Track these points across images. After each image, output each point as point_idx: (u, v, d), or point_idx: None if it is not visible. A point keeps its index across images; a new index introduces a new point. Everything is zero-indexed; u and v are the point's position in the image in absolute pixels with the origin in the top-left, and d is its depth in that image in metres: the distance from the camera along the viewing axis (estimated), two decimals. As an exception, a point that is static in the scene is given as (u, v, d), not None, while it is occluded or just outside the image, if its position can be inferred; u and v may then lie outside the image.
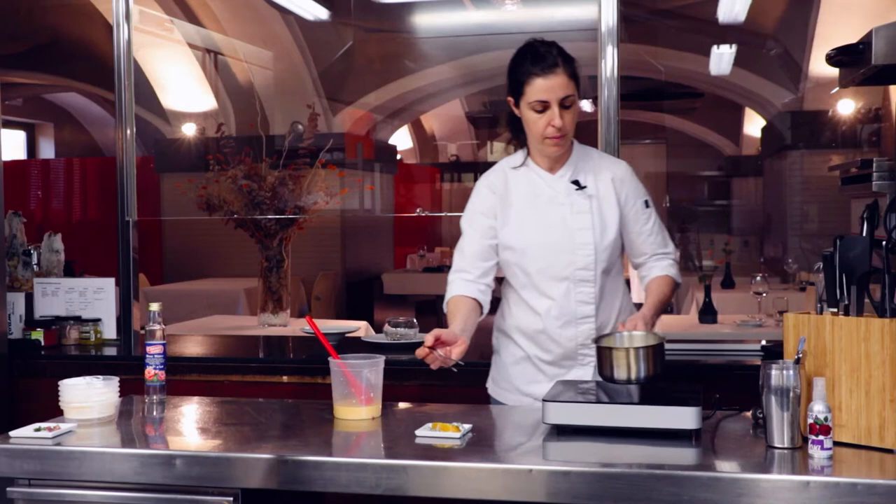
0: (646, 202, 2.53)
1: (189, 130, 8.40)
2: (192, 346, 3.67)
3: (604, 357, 2.16)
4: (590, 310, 2.46)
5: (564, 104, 2.37)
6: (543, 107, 2.37)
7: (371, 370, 2.24)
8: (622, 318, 2.50)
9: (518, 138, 2.52)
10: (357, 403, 2.24)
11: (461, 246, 2.54)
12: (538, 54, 2.37)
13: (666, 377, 2.19)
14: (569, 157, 2.49)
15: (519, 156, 2.53)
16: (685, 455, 1.94)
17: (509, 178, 2.52)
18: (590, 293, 2.45)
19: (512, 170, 2.52)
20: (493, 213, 2.50)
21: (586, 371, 2.47)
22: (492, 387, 2.63)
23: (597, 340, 2.24)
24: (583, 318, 2.45)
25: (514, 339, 2.54)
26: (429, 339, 2.23)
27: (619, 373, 2.13)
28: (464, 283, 2.49)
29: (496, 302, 2.60)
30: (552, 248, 2.43)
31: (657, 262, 2.56)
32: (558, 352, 2.47)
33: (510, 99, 2.46)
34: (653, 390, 2.16)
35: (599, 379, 2.29)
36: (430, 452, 1.97)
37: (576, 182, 2.47)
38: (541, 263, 2.45)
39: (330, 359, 2.26)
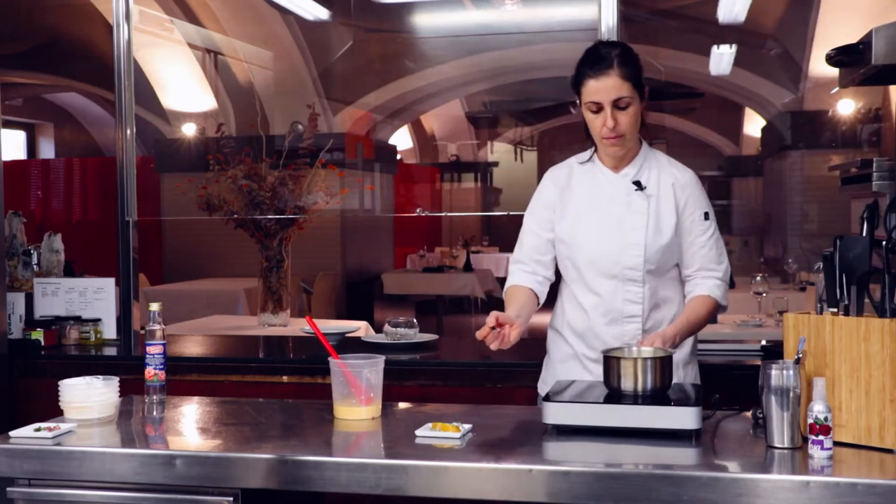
0: (706, 214, 2.50)
1: (189, 130, 8.41)
2: (192, 346, 3.67)
3: (610, 367, 2.15)
4: (636, 309, 2.45)
5: (619, 105, 2.37)
6: (598, 108, 2.39)
7: (371, 370, 2.24)
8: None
9: (589, 137, 2.53)
10: (357, 403, 2.24)
11: (521, 237, 2.58)
12: (595, 55, 2.39)
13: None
14: (634, 157, 2.50)
15: (587, 152, 2.55)
16: (685, 455, 1.94)
17: (574, 173, 2.54)
18: (637, 292, 2.45)
19: (579, 165, 2.55)
20: (552, 206, 2.52)
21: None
22: (541, 386, 2.64)
23: (606, 352, 2.23)
24: (629, 316, 2.45)
25: (564, 336, 2.55)
26: (490, 319, 2.23)
27: (626, 383, 2.12)
28: (521, 274, 2.53)
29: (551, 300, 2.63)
30: (602, 244, 2.44)
31: (703, 280, 2.50)
32: (604, 348, 2.46)
33: (578, 100, 2.48)
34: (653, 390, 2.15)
35: None
36: (430, 452, 1.97)
37: (637, 182, 2.47)
38: (590, 259, 2.46)
39: (330, 359, 2.26)
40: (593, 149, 2.53)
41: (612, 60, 2.36)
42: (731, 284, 2.65)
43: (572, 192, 2.51)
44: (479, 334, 2.24)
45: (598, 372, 2.42)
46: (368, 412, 2.24)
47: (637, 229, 2.44)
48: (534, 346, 3.06)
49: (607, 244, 2.44)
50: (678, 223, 2.47)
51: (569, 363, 2.53)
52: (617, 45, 2.43)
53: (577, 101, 2.47)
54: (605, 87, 2.36)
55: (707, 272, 2.50)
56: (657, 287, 2.47)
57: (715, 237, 2.51)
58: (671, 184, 2.48)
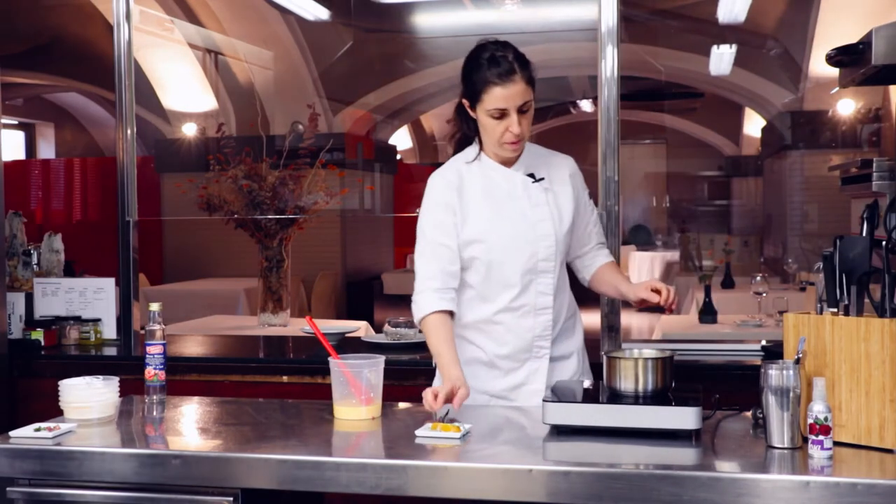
0: (588, 193, 2.61)
1: (189, 130, 8.41)
2: (192, 346, 3.67)
3: (612, 367, 2.15)
4: (548, 301, 2.46)
5: (522, 109, 2.37)
6: (502, 114, 2.36)
7: (371, 370, 2.24)
8: (570, 312, 2.54)
9: (469, 131, 2.50)
10: (357, 403, 2.24)
11: (423, 250, 2.45)
12: (495, 60, 2.35)
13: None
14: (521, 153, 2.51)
15: (471, 151, 2.51)
16: (685, 455, 1.94)
17: (464, 174, 2.49)
18: (549, 284, 2.46)
19: (465, 165, 2.50)
20: (452, 210, 2.44)
21: (542, 363, 2.46)
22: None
23: (607, 352, 2.23)
24: (542, 308, 2.46)
25: (468, 338, 2.51)
26: (437, 406, 2.19)
27: (626, 383, 2.12)
28: (435, 297, 2.40)
29: None
30: (515, 240, 2.43)
31: (600, 251, 2.63)
32: (515, 344, 2.46)
33: (466, 101, 2.43)
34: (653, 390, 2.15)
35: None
36: (430, 452, 1.97)
37: (531, 175, 2.48)
38: (504, 256, 2.43)
39: (330, 359, 2.26)
40: (478, 146, 2.50)
41: (514, 64, 2.35)
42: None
43: (467, 194, 2.46)
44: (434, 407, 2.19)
45: (507, 367, 2.48)
46: (368, 412, 2.24)
47: (544, 221, 2.44)
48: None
49: (519, 239, 2.43)
50: (575, 208, 2.52)
51: (474, 365, 2.48)
52: (509, 47, 2.40)
53: (468, 105, 2.42)
54: (512, 94, 2.34)
55: (601, 246, 2.64)
56: (560, 276, 2.50)
57: (596, 215, 2.64)
58: (566, 172, 2.52)
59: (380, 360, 2.27)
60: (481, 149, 2.49)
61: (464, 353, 2.48)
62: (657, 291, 2.37)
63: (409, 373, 3.08)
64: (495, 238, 2.43)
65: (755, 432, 2.06)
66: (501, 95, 2.33)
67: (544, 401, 2.10)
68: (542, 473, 1.83)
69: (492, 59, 2.35)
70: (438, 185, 2.47)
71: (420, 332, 3.10)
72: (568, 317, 2.54)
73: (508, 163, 2.48)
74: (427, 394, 2.20)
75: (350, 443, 2.16)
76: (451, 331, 2.39)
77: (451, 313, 2.41)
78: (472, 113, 2.43)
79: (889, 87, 6.48)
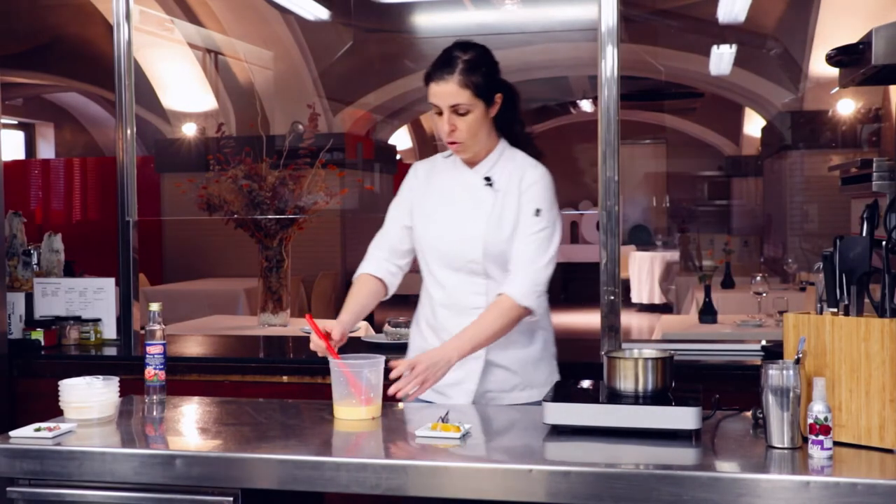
0: (538, 210, 2.44)
1: (189, 130, 8.41)
2: (192, 346, 3.67)
3: (612, 367, 2.15)
4: (481, 301, 2.46)
5: (457, 111, 2.38)
6: (438, 110, 2.42)
7: (371, 370, 2.24)
8: (521, 324, 2.47)
9: None
10: (357, 403, 2.24)
11: (385, 224, 2.61)
12: (444, 57, 2.41)
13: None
14: (488, 154, 2.51)
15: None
16: (685, 455, 1.94)
17: (437, 167, 2.58)
18: (480, 283, 2.47)
19: (443, 159, 2.59)
20: (412, 197, 2.57)
21: (477, 364, 2.45)
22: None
23: (607, 352, 2.24)
24: (474, 308, 2.46)
25: (421, 330, 2.59)
26: (320, 343, 2.36)
27: (626, 383, 2.13)
28: (376, 261, 2.57)
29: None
30: (445, 237, 2.48)
31: (511, 279, 2.41)
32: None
33: None
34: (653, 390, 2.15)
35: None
36: (430, 452, 1.97)
37: (487, 178, 2.50)
38: (435, 251, 2.50)
39: (330, 359, 2.26)
40: None
41: (457, 66, 2.37)
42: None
43: (431, 187, 2.55)
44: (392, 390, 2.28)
45: None
46: (368, 412, 2.24)
47: (477, 221, 2.46)
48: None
49: (449, 236, 2.47)
50: (516, 221, 2.48)
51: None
52: (469, 49, 2.40)
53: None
54: (442, 93, 2.38)
55: (519, 268, 2.42)
56: (502, 281, 2.46)
57: (541, 235, 2.43)
58: (519, 179, 2.49)
59: (380, 361, 2.27)
60: None
61: (416, 344, 2.59)
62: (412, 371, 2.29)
63: (409, 373, 3.07)
64: (430, 233, 2.51)
65: (755, 432, 2.06)
66: (433, 92, 2.41)
67: (544, 401, 2.11)
68: (542, 473, 1.83)
69: (444, 55, 2.42)
70: (410, 174, 2.62)
71: None
72: (519, 329, 2.46)
73: (474, 162, 2.52)
74: (314, 347, 2.35)
75: (350, 443, 2.16)
76: (368, 292, 2.54)
77: (382, 282, 2.56)
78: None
79: (889, 87, 6.48)
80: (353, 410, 2.24)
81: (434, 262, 2.52)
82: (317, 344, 2.35)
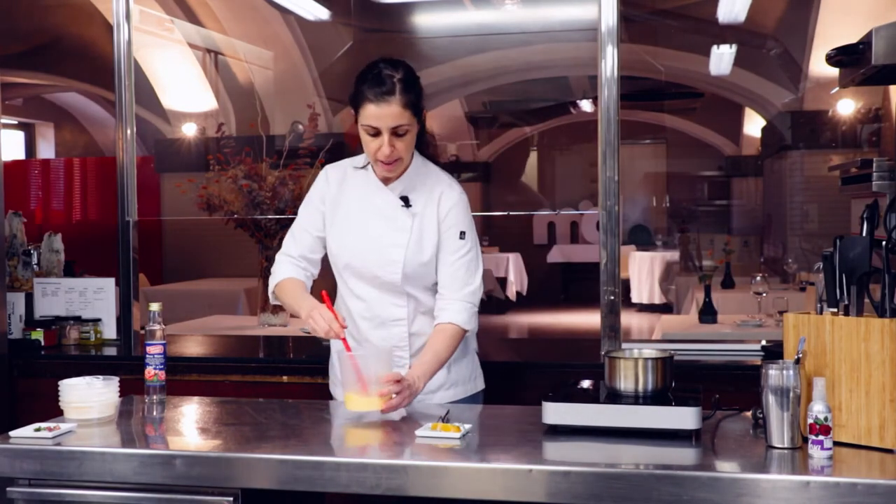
0: (462, 233, 2.47)
1: (189, 130, 8.40)
2: (192, 346, 3.67)
3: (612, 367, 2.15)
4: (401, 312, 2.48)
5: (397, 132, 2.37)
6: (375, 132, 2.37)
7: (377, 361, 2.25)
8: None
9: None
10: (366, 393, 2.23)
11: (293, 230, 2.57)
12: (377, 78, 2.35)
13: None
14: (405, 171, 2.48)
15: (362, 158, 2.53)
16: (685, 455, 1.94)
17: (348, 177, 2.53)
18: (401, 299, 2.48)
19: (353, 169, 2.54)
20: (324, 204, 2.52)
21: (402, 371, 2.40)
22: (332, 385, 2.66)
23: (607, 353, 2.24)
24: (395, 320, 2.48)
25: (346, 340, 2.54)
26: (334, 325, 2.30)
27: (626, 383, 2.13)
28: (293, 267, 2.53)
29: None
30: (363, 256, 2.46)
31: (449, 304, 2.45)
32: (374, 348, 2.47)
33: (353, 112, 2.44)
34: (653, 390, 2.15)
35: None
36: (430, 452, 1.97)
37: (404, 199, 2.47)
38: (351, 268, 2.49)
39: (340, 349, 2.25)
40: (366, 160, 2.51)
41: (395, 87, 2.34)
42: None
43: (343, 197, 2.51)
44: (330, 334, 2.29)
45: None
46: (380, 402, 2.23)
47: (398, 246, 2.44)
48: (538, 345, 3.06)
49: (368, 256, 2.45)
50: (438, 242, 2.47)
51: (347, 363, 2.47)
52: (399, 67, 2.39)
53: (354, 117, 2.44)
54: (385, 115, 2.34)
55: (454, 292, 2.45)
56: (422, 298, 2.49)
57: (469, 257, 2.47)
58: (437, 199, 2.47)
59: (387, 351, 2.29)
60: (368, 162, 2.51)
61: (336, 349, 2.55)
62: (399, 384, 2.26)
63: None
64: (347, 250, 2.48)
65: (755, 432, 2.06)
66: (374, 114, 2.34)
67: (544, 401, 2.11)
68: (542, 473, 1.83)
69: (376, 76, 2.36)
70: (321, 179, 2.56)
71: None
72: None
73: (388, 180, 2.48)
74: (319, 320, 2.28)
75: (350, 443, 2.16)
76: (304, 290, 2.50)
77: (305, 285, 2.53)
78: (356, 125, 2.44)
79: (889, 87, 6.48)
80: (364, 401, 2.23)
81: (350, 278, 2.50)
82: (327, 321, 2.28)
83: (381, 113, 2.34)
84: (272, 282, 2.53)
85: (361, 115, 2.37)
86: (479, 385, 2.63)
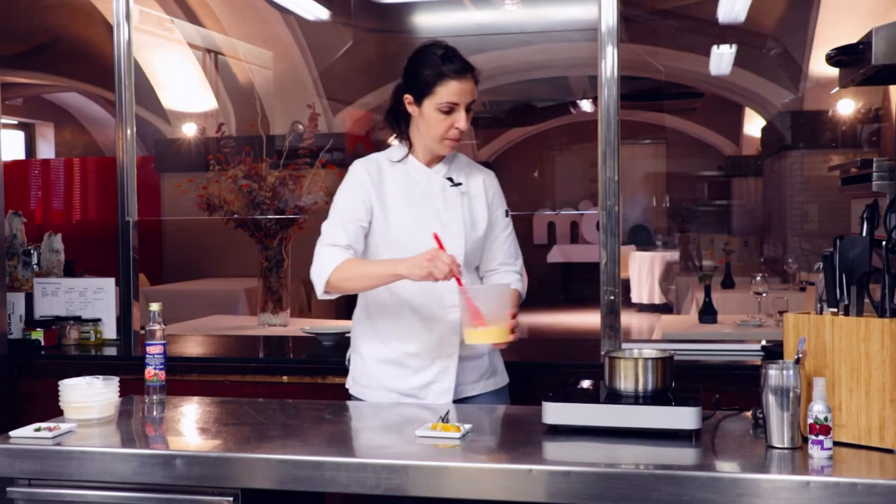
0: (506, 211, 2.62)
1: (189, 130, 8.40)
2: (192, 346, 3.67)
3: (612, 367, 2.15)
4: (456, 298, 2.44)
5: (468, 109, 2.45)
6: (451, 108, 2.41)
7: (492, 296, 2.29)
8: None
9: (400, 132, 2.54)
10: (480, 327, 2.25)
11: (333, 223, 2.47)
12: (451, 57, 2.43)
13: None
14: (445, 156, 2.54)
15: (398, 151, 2.54)
16: (685, 455, 1.94)
17: (384, 170, 2.53)
18: (454, 285, 2.44)
19: (389, 163, 2.54)
20: (368, 194, 2.49)
21: (451, 363, 2.47)
22: (352, 385, 2.60)
23: (606, 353, 2.24)
24: (450, 307, 2.46)
25: (379, 335, 2.53)
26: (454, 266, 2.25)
27: (626, 383, 2.13)
28: (343, 253, 2.42)
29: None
30: (423, 237, 2.43)
31: (506, 275, 2.59)
32: (424, 342, 2.47)
33: (408, 97, 2.46)
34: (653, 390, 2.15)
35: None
36: (430, 452, 1.97)
37: (450, 179, 2.52)
38: (413, 252, 2.41)
39: (455, 284, 2.26)
40: (407, 147, 2.53)
41: (468, 64, 2.44)
42: None
43: (386, 187, 2.51)
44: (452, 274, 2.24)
45: (416, 366, 2.48)
46: (500, 334, 2.26)
47: (456, 223, 2.49)
48: (538, 345, 3.06)
49: (427, 237, 2.41)
50: (489, 220, 2.55)
51: (385, 364, 2.51)
52: (456, 50, 2.46)
53: (412, 100, 2.46)
54: (466, 90, 2.42)
55: (508, 266, 2.61)
56: (473, 281, 2.53)
57: (513, 234, 2.64)
58: (481, 181, 2.57)
59: (503, 287, 2.37)
60: (410, 150, 2.53)
61: (374, 352, 2.53)
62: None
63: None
64: (403, 233, 2.47)
65: (755, 432, 2.06)
66: (457, 90, 2.40)
67: (544, 401, 2.11)
68: (542, 473, 1.83)
69: (446, 55, 2.43)
70: (360, 171, 2.52)
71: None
72: None
73: (431, 163, 2.54)
74: (441, 262, 2.22)
75: (350, 443, 2.17)
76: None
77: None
78: (413, 108, 2.47)
79: (889, 87, 6.48)
80: (482, 334, 2.26)
81: None
82: (449, 262, 2.23)
83: (463, 88, 2.41)
84: (324, 273, 2.39)
85: (439, 93, 2.41)
86: (507, 378, 2.65)
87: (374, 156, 2.57)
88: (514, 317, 2.36)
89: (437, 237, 2.32)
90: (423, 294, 2.47)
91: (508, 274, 2.60)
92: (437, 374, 2.48)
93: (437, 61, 2.41)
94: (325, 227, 2.49)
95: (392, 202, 2.50)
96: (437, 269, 2.22)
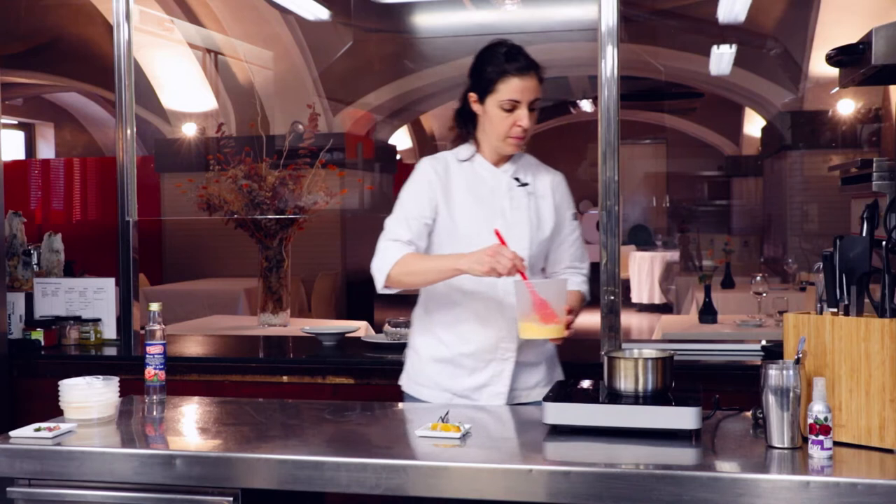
0: (574, 214, 2.62)
1: (189, 130, 8.41)
2: (192, 346, 3.67)
3: (612, 367, 2.15)
4: (514, 303, 2.44)
5: (531, 106, 2.43)
6: (513, 106, 2.41)
7: (552, 290, 2.26)
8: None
9: (467, 133, 2.53)
10: (540, 321, 2.24)
11: (398, 218, 2.46)
12: (514, 55, 2.42)
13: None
14: (512, 156, 2.54)
15: (465, 150, 2.53)
16: (685, 455, 1.94)
17: (451, 167, 2.52)
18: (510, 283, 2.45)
19: (457, 161, 2.54)
20: (434, 192, 2.48)
21: (506, 366, 2.46)
22: (407, 383, 2.60)
23: (606, 352, 2.24)
24: (509, 309, 2.44)
25: (435, 333, 2.52)
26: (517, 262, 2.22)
27: (626, 383, 2.13)
28: (406, 248, 2.41)
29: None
30: (490, 237, 2.40)
31: (572, 276, 2.59)
32: (480, 343, 2.46)
33: (473, 95, 2.47)
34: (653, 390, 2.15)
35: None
36: (430, 452, 1.97)
37: (517, 178, 2.52)
38: (474, 249, 2.41)
39: (516, 278, 2.25)
40: (474, 146, 2.53)
41: (531, 62, 2.42)
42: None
43: (452, 187, 2.50)
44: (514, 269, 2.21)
45: (471, 366, 2.47)
46: (556, 331, 2.26)
47: (521, 223, 2.48)
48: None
49: (492, 235, 2.39)
50: (556, 222, 2.55)
51: (441, 364, 2.50)
52: (522, 48, 2.46)
53: (476, 98, 2.46)
54: (528, 87, 2.41)
55: (574, 269, 2.62)
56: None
57: (580, 236, 2.64)
58: (549, 182, 2.56)
59: (560, 282, 2.35)
60: (477, 149, 2.52)
61: (429, 350, 2.53)
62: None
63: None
64: (469, 231, 2.46)
65: (755, 432, 2.06)
66: (518, 87, 2.40)
67: (544, 401, 2.11)
68: (542, 473, 1.83)
69: (509, 53, 2.43)
70: (427, 168, 2.51)
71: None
72: None
73: (499, 162, 2.53)
74: (503, 257, 2.19)
75: (350, 443, 2.16)
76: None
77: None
78: (477, 107, 2.46)
79: (889, 87, 6.48)
80: (540, 329, 2.25)
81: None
82: (511, 257, 2.20)
83: (525, 86, 2.40)
84: (385, 267, 2.39)
85: (501, 91, 2.40)
86: None
87: (441, 154, 2.57)
88: (570, 313, 2.34)
89: (498, 233, 2.31)
90: (484, 294, 2.45)
91: (575, 275, 2.59)
92: (491, 376, 2.47)
93: (500, 59, 2.42)
94: (389, 222, 2.48)
95: (458, 200, 2.48)
96: (499, 264, 2.20)
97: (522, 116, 2.41)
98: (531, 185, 2.53)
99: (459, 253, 2.35)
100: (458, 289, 2.47)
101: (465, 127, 2.53)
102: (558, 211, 2.56)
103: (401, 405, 2.46)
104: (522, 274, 2.25)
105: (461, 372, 2.48)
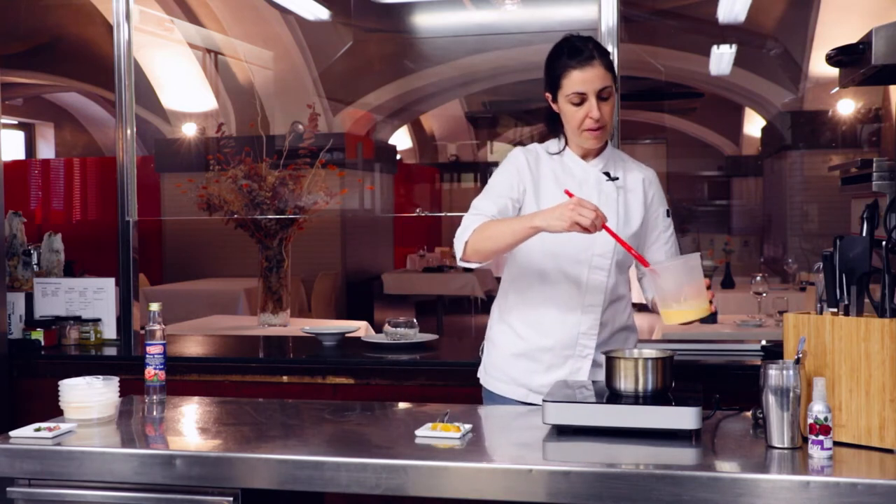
0: (667, 211, 2.57)
1: (189, 130, 8.41)
2: (192, 346, 3.67)
3: (612, 367, 2.15)
4: (598, 299, 2.43)
5: (601, 96, 2.39)
6: (581, 99, 2.38)
7: (684, 269, 2.22)
8: (625, 323, 2.50)
9: (556, 134, 2.52)
10: (682, 303, 2.22)
11: (486, 195, 2.44)
12: (574, 48, 2.40)
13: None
14: (601, 152, 2.51)
15: (555, 144, 2.53)
16: (685, 455, 1.94)
17: (542, 158, 2.51)
18: (601, 282, 2.43)
19: (548, 154, 2.52)
20: (525, 178, 2.46)
21: (584, 363, 2.44)
22: (484, 376, 2.59)
23: (606, 352, 2.23)
24: (590, 305, 2.43)
25: (514, 328, 2.50)
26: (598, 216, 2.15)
27: (626, 383, 2.12)
28: (487, 219, 2.36)
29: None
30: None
31: None
32: (559, 338, 2.43)
33: (548, 95, 2.47)
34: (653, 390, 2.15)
35: (596, 379, 2.32)
36: (430, 452, 1.97)
37: (606, 173, 2.49)
38: (564, 243, 2.39)
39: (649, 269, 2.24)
40: (563, 140, 2.52)
41: (594, 52, 2.39)
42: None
43: (542, 175, 2.48)
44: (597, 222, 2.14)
45: (548, 362, 2.44)
46: (696, 311, 2.22)
47: (609, 217, 2.40)
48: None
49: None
50: (645, 218, 2.51)
51: (518, 358, 2.48)
52: (590, 39, 2.44)
53: (551, 98, 2.45)
54: (590, 78, 2.37)
55: None
56: (617, 282, 2.47)
57: (674, 235, 2.59)
58: (641, 178, 2.53)
59: (693, 258, 2.25)
60: (566, 144, 2.51)
61: (506, 344, 2.50)
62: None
63: (409, 373, 3.08)
64: None
65: (755, 432, 2.06)
66: (580, 79, 2.37)
67: (544, 401, 2.10)
68: (542, 473, 1.83)
69: (571, 47, 2.40)
70: (518, 156, 2.50)
71: (420, 332, 2.93)
72: (621, 328, 2.51)
73: (588, 157, 2.50)
74: (586, 210, 2.12)
75: (350, 443, 2.16)
76: None
77: None
78: (553, 105, 2.45)
79: (889, 87, 6.48)
80: (681, 312, 2.23)
81: (558, 254, 2.42)
82: (594, 208, 2.13)
83: (587, 76, 2.36)
84: (464, 235, 2.34)
85: (565, 86, 2.39)
86: None
87: (533, 146, 2.55)
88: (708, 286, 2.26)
89: (568, 192, 2.25)
90: (568, 286, 2.42)
91: None
92: (568, 374, 2.44)
93: (562, 54, 2.40)
94: (476, 200, 2.45)
95: (546, 191, 2.46)
96: (582, 217, 2.11)
97: (592, 107, 2.37)
98: (620, 179, 2.50)
99: (548, 207, 2.26)
100: (543, 278, 2.44)
101: (553, 126, 2.52)
102: (650, 207, 2.52)
103: (400, 405, 2.46)
104: (607, 228, 2.19)
105: (537, 367, 2.45)
